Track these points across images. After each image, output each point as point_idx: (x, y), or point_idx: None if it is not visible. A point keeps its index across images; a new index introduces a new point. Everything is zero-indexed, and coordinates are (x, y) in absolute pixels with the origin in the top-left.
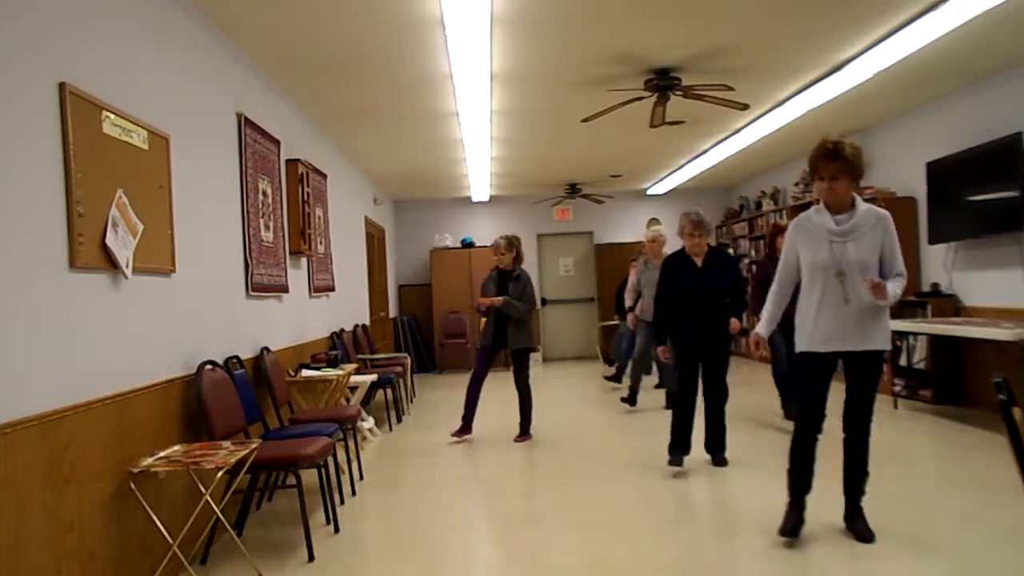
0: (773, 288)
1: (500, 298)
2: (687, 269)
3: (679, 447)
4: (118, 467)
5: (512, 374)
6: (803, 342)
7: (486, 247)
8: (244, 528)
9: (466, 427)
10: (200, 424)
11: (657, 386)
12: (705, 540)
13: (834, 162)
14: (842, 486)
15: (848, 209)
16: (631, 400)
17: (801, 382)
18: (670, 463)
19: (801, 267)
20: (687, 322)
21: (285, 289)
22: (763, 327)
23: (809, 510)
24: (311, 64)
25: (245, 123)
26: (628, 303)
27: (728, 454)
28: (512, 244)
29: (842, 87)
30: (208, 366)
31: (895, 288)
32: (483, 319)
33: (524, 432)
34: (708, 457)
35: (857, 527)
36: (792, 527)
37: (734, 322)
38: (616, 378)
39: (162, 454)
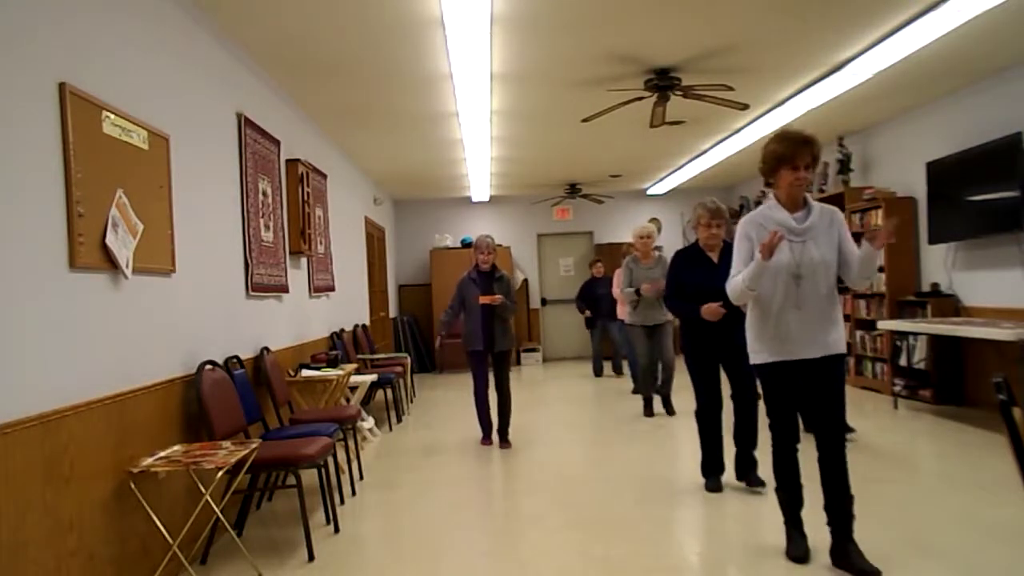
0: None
1: (499, 297)
2: (702, 265)
3: (714, 469)
4: (118, 467)
5: (494, 376)
6: (763, 351)
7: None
8: (244, 528)
9: (488, 436)
10: (200, 424)
11: (634, 391)
12: (707, 539)
13: (810, 149)
14: (827, 521)
15: (803, 206)
16: (649, 412)
17: (768, 394)
18: (708, 488)
19: None
20: (703, 325)
21: (285, 289)
22: (750, 266)
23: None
24: (311, 64)
25: (245, 123)
26: (625, 310)
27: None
28: (495, 245)
29: (842, 87)
30: (208, 366)
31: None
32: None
33: (505, 438)
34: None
35: (857, 563)
36: (802, 552)
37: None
38: (638, 391)
39: (162, 454)
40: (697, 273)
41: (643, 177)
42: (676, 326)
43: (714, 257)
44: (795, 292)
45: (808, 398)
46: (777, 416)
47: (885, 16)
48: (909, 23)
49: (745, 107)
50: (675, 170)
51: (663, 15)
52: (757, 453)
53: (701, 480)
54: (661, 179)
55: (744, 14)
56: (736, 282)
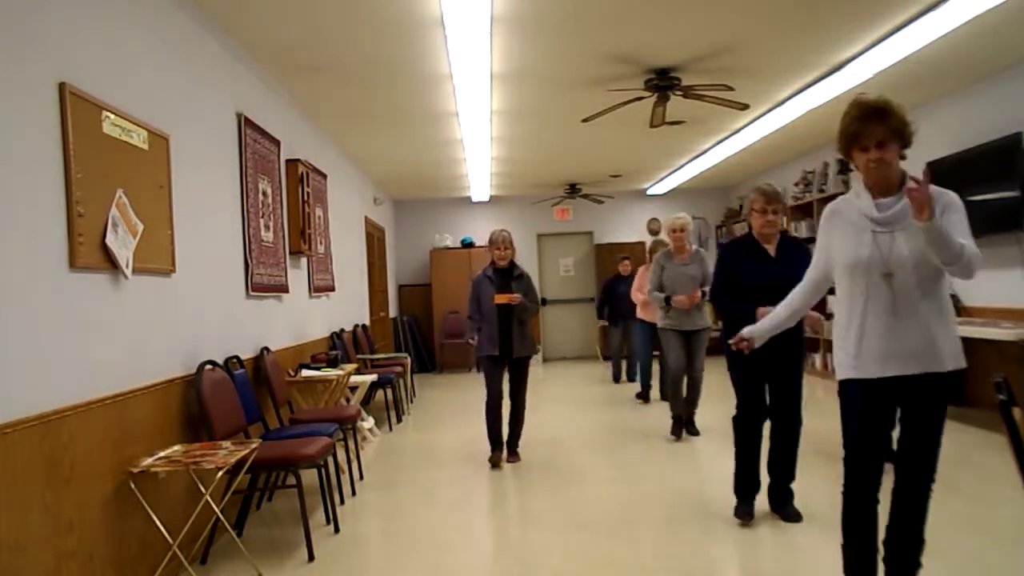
0: (798, 288)
1: (518, 296)
2: (757, 259)
3: (749, 488)
4: (118, 467)
5: (509, 385)
6: (846, 366)
7: (486, 247)
8: (244, 528)
9: (497, 451)
10: (200, 424)
11: (639, 395)
12: (708, 539)
13: (882, 123)
14: (883, 557)
15: (897, 190)
16: (677, 431)
17: (847, 419)
18: (739, 515)
19: (836, 267)
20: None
21: (285, 289)
22: (757, 328)
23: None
24: (311, 64)
25: (245, 123)
26: (656, 312)
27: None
28: (512, 239)
29: (842, 87)
30: (208, 366)
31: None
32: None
33: (514, 450)
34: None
35: None
36: None
37: (812, 316)
38: (644, 395)
39: (162, 454)
40: (751, 268)
41: (643, 177)
42: (712, 335)
43: (771, 249)
44: (886, 293)
45: (903, 422)
46: (856, 450)
47: (885, 16)
48: (909, 23)
49: (745, 107)
50: (675, 170)
51: (663, 15)
52: (794, 485)
53: (718, 491)
54: (661, 179)
55: (744, 14)
56: (779, 308)
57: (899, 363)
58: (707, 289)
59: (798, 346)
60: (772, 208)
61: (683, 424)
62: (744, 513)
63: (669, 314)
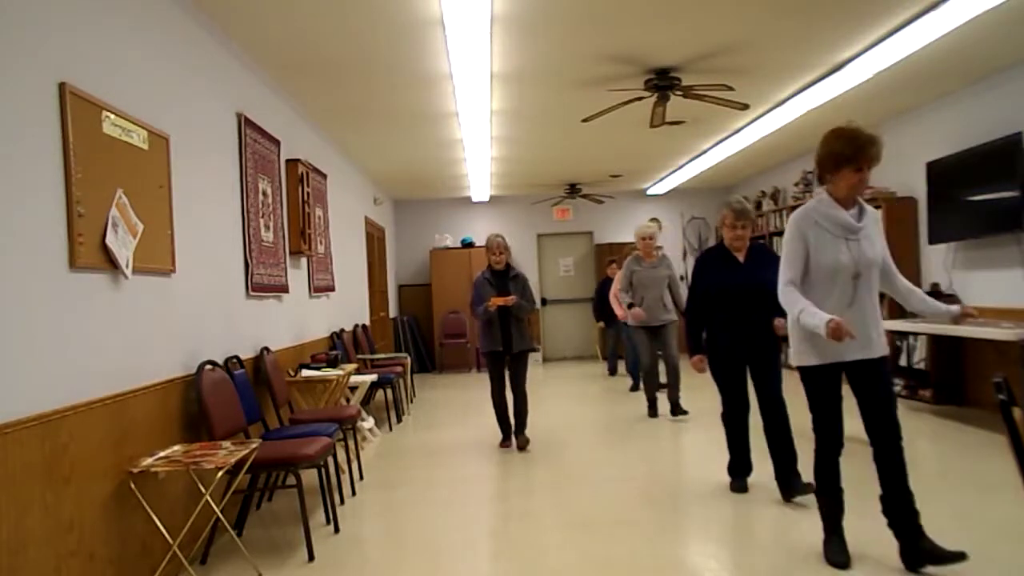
0: (793, 290)
1: (513, 297)
2: (728, 266)
3: (742, 471)
4: (118, 467)
5: (510, 378)
6: (812, 353)
7: (483, 249)
8: (244, 528)
9: (508, 438)
10: (200, 424)
11: (632, 389)
12: (707, 536)
13: (876, 149)
14: (885, 516)
15: (853, 205)
16: (653, 412)
17: (816, 397)
18: (734, 489)
19: (812, 268)
20: (729, 328)
21: (285, 289)
22: (819, 318)
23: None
24: (311, 64)
25: (245, 123)
26: (626, 301)
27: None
28: (507, 243)
29: (842, 87)
30: (208, 366)
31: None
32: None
33: (522, 435)
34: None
35: (934, 550)
36: (844, 557)
37: (780, 322)
38: (636, 388)
39: (162, 454)
40: (722, 274)
41: (643, 177)
42: (680, 326)
43: (740, 257)
44: (851, 292)
45: (862, 401)
46: (824, 421)
47: (885, 16)
48: (909, 23)
49: (745, 107)
50: (675, 170)
51: (663, 15)
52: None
53: (705, 481)
54: (661, 179)
55: (744, 14)
56: (794, 311)
57: (858, 349)
58: (668, 295)
59: (772, 340)
60: (741, 224)
61: (657, 406)
62: (738, 487)
63: (642, 310)
